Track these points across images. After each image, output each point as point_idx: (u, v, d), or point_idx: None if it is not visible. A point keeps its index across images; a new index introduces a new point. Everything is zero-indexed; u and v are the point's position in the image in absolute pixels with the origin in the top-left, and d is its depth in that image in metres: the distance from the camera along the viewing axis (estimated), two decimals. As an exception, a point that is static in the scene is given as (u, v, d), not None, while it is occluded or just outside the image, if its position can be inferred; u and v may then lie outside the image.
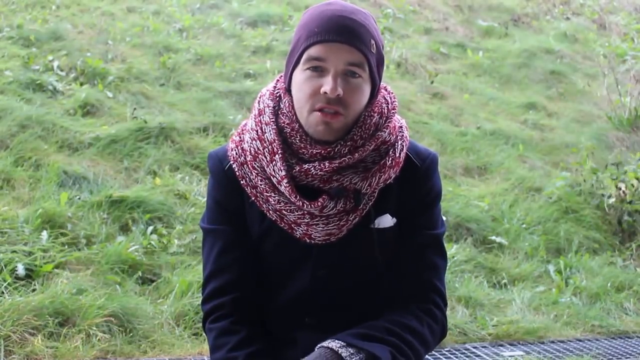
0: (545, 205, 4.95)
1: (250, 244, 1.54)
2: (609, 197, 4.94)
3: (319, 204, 1.42)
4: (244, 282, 1.52)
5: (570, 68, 7.78)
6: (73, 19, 6.22)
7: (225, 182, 1.53)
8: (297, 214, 1.45)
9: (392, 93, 1.54)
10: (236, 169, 1.50)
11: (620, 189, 4.96)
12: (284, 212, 1.46)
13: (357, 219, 1.46)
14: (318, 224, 1.45)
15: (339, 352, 1.35)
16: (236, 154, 1.50)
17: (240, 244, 1.53)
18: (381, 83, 1.50)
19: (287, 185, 1.41)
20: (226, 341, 1.48)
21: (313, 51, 1.39)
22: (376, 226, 1.48)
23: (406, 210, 1.51)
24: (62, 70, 5.26)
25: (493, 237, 4.48)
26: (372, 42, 1.40)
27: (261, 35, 6.81)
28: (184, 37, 6.49)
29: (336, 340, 1.38)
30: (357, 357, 1.36)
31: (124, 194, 3.94)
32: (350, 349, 1.36)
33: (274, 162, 1.42)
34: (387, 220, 1.50)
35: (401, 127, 1.52)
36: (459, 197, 4.79)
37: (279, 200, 1.45)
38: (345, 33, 1.38)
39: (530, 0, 9.50)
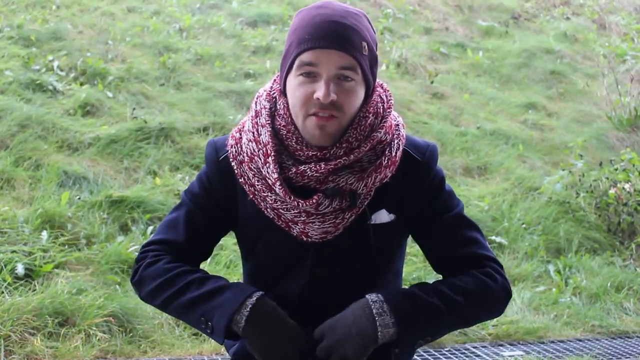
0: (545, 205, 4.95)
1: (215, 235, 1.59)
2: (606, 195, 4.95)
3: (314, 201, 1.43)
4: (190, 250, 1.54)
5: (570, 68, 7.78)
6: (73, 19, 6.22)
7: (216, 172, 1.54)
8: (293, 212, 1.46)
9: (387, 91, 1.54)
10: (235, 167, 1.51)
11: (614, 186, 4.97)
12: (280, 210, 1.47)
13: (353, 216, 1.47)
14: (314, 222, 1.45)
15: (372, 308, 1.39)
16: (235, 151, 1.52)
17: (204, 229, 1.55)
18: (377, 81, 1.50)
19: (281, 187, 1.43)
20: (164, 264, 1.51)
21: (305, 57, 1.40)
22: (373, 222, 1.49)
23: (416, 204, 1.52)
24: (62, 70, 5.26)
25: (493, 237, 4.48)
26: (364, 44, 1.41)
27: (261, 35, 6.81)
28: (184, 37, 6.49)
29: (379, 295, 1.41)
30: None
31: (124, 194, 3.94)
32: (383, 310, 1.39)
33: (268, 164, 1.44)
34: (383, 216, 1.50)
35: (397, 125, 1.53)
36: (459, 197, 4.79)
37: (275, 199, 1.46)
38: (335, 38, 1.38)
39: (530, 0, 9.50)
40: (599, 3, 9.56)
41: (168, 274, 1.47)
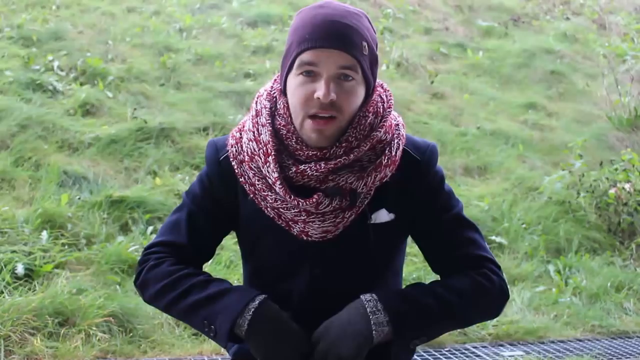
0: (545, 205, 4.95)
1: (217, 236, 1.59)
2: (606, 195, 4.95)
3: (314, 200, 1.43)
4: (192, 251, 1.54)
5: (570, 68, 7.78)
6: (73, 19, 6.22)
7: (218, 172, 1.54)
8: (293, 211, 1.46)
9: (388, 91, 1.55)
10: (235, 167, 1.51)
11: (614, 186, 4.97)
12: (281, 210, 1.47)
13: (353, 216, 1.47)
14: (314, 221, 1.45)
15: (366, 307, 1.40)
16: (236, 151, 1.52)
17: (206, 230, 1.55)
18: (377, 81, 1.51)
19: (281, 186, 1.43)
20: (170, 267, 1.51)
21: (305, 57, 1.40)
22: (373, 222, 1.49)
23: (415, 204, 1.52)
24: (62, 70, 5.26)
25: (493, 237, 4.48)
26: (364, 43, 1.41)
27: (261, 35, 6.81)
28: (184, 37, 6.49)
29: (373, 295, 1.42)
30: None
31: (124, 194, 3.95)
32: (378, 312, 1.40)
33: (268, 164, 1.44)
34: (383, 216, 1.51)
35: (397, 125, 1.53)
36: (459, 197, 4.78)
37: (275, 198, 1.46)
38: (335, 38, 1.39)
39: (530, 1, 9.50)
40: (599, 3, 9.55)
41: (171, 276, 1.48)
